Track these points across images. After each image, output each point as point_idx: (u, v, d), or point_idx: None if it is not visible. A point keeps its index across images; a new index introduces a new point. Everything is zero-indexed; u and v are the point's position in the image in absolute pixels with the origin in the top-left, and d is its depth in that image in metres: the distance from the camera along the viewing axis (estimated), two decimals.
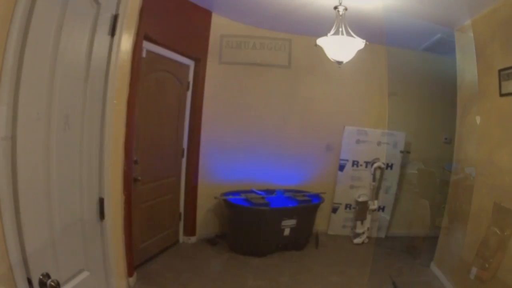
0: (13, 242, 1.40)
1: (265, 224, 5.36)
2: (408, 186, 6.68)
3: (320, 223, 6.43)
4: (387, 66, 6.40)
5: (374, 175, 6.32)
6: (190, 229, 5.75)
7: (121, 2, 2.17)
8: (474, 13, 4.33)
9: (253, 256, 5.32)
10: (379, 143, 6.40)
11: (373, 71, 6.40)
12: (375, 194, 6.35)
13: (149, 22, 3.98)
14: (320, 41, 4.19)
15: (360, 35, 4.15)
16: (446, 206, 5.10)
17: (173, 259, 5.10)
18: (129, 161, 4.00)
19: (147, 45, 4.32)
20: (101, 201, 2.17)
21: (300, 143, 6.41)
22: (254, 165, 6.24)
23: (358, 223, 6.23)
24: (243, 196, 5.66)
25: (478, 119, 4.08)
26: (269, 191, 6.01)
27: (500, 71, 3.81)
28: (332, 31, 4.15)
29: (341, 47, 4.16)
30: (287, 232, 5.51)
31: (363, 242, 6.21)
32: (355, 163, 6.44)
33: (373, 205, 6.25)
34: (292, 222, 5.51)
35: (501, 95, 3.82)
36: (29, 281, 1.47)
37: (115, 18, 2.15)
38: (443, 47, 5.71)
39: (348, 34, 4.13)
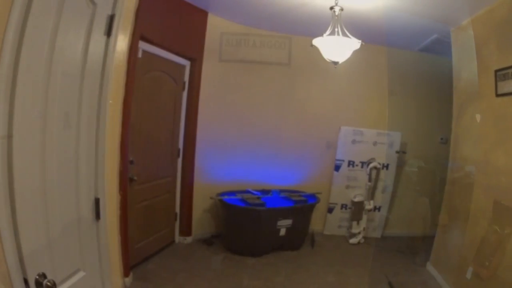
0: (9, 242, 1.40)
1: (261, 224, 5.36)
2: (408, 184, 6.70)
3: (316, 223, 6.45)
4: (384, 67, 6.42)
5: (370, 175, 6.33)
6: (186, 229, 5.75)
7: (117, 2, 2.17)
8: (470, 13, 4.35)
9: (249, 256, 5.32)
10: (375, 143, 6.41)
11: (369, 72, 6.42)
12: (371, 194, 6.36)
13: (145, 22, 3.99)
14: (316, 42, 4.19)
15: (356, 35, 4.16)
16: (442, 205, 5.11)
17: (169, 259, 5.09)
18: (125, 161, 4.00)
19: (143, 45, 4.32)
20: (96, 201, 2.17)
21: (296, 143, 6.42)
22: (249, 165, 6.25)
23: (354, 223, 6.25)
24: (238, 196, 5.66)
25: (478, 117, 4.09)
26: (264, 191, 6.02)
27: (496, 71, 3.83)
28: (328, 32, 4.15)
29: (337, 48, 4.17)
30: (283, 232, 5.52)
31: (359, 242, 6.23)
32: (351, 163, 6.45)
33: (369, 205, 6.26)
34: (288, 222, 5.52)
35: (497, 95, 3.84)
36: (26, 281, 1.47)
37: (111, 19, 2.14)
38: (439, 47, 5.73)
39: (344, 34, 4.14)
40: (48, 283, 1.51)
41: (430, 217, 6.17)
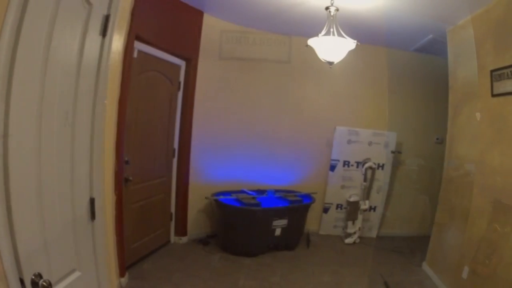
0: (5, 242, 1.40)
1: (256, 224, 5.36)
2: (405, 183, 6.72)
3: (311, 223, 6.46)
4: (379, 67, 6.44)
5: (365, 175, 6.35)
6: (181, 229, 5.75)
7: (112, 2, 2.17)
8: (466, 14, 4.37)
9: (244, 256, 5.33)
10: (370, 143, 6.43)
11: (365, 72, 6.44)
12: (366, 194, 6.38)
13: (140, 23, 3.99)
14: (311, 42, 4.20)
15: (352, 35, 4.17)
16: (438, 205, 5.13)
17: (164, 259, 5.09)
18: (120, 161, 4.00)
19: (138, 45, 4.31)
20: (92, 201, 2.17)
21: (291, 143, 6.44)
22: (245, 165, 6.25)
23: (350, 223, 6.26)
24: (234, 196, 5.66)
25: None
26: (260, 191, 6.03)
27: (492, 71, 3.85)
28: (323, 32, 4.16)
29: (332, 48, 4.17)
30: (278, 232, 5.52)
31: (354, 242, 6.24)
32: (346, 163, 6.47)
33: (364, 205, 6.28)
34: (283, 222, 5.52)
35: (493, 95, 3.86)
36: (21, 281, 1.47)
37: (106, 19, 2.14)
38: (435, 47, 5.75)
39: (340, 34, 4.15)
40: (44, 283, 1.51)
41: (426, 217, 6.21)
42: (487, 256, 3.74)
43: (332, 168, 6.48)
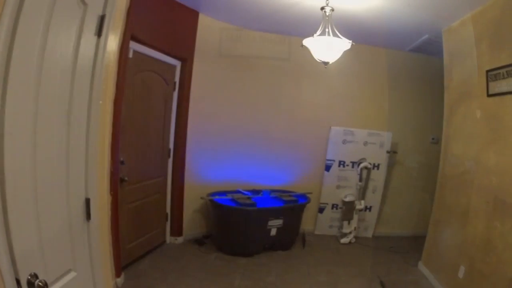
0: (1, 242, 1.40)
1: (252, 224, 5.37)
2: (404, 182, 6.74)
3: (306, 223, 6.47)
4: (375, 67, 6.46)
5: (360, 175, 6.36)
6: (177, 230, 5.75)
7: (108, 2, 2.16)
8: (462, 14, 4.38)
9: (240, 256, 5.34)
10: (365, 143, 6.44)
11: (360, 72, 6.46)
12: (362, 194, 6.39)
13: (136, 23, 3.99)
14: (307, 42, 4.20)
15: (347, 36, 4.17)
16: (433, 204, 5.14)
17: (160, 260, 5.09)
18: (116, 162, 4.00)
19: (133, 46, 4.31)
20: (87, 202, 2.16)
21: (286, 143, 6.44)
22: (240, 165, 6.26)
23: (345, 223, 6.28)
24: (229, 196, 5.67)
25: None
26: (255, 191, 6.04)
27: (487, 71, 3.86)
28: (319, 32, 4.16)
29: (327, 48, 4.18)
30: (273, 232, 5.53)
31: (350, 242, 6.25)
32: (341, 163, 6.48)
33: (360, 205, 6.29)
34: (278, 222, 5.53)
35: (489, 95, 3.88)
36: (18, 282, 1.47)
37: (101, 19, 2.14)
38: (430, 47, 5.77)
39: (335, 34, 4.15)
40: (40, 283, 1.51)
41: (422, 217, 6.22)
42: (483, 255, 3.76)
43: (328, 168, 6.49)
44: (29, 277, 1.51)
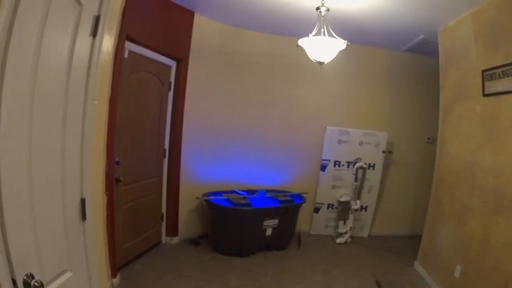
0: None
1: (247, 224, 5.37)
2: (399, 182, 6.77)
3: (302, 223, 6.48)
4: (370, 67, 6.47)
5: (356, 175, 6.37)
6: (173, 230, 5.75)
7: (103, 3, 2.16)
8: (458, 14, 4.39)
9: (235, 256, 5.34)
10: (361, 143, 6.45)
11: (356, 72, 6.47)
12: (357, 194, 6.40)
13: (131, 23, 3.98)
14: (302, 42, 4.21)
15: (343, 36, 4.19)
16: (429, 204, 5.16)
17: (156, 260, 5.09)
18: (111, 162, 4.00)
19: (129, 46, 4.31)
20: (82, 202, 2.16)
21: (281, 143, 6.44)
22: (235, 165, 6.26)
23: (341, 223, 6.29)
24: (224, 196, 5.67)
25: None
26: (250, 191, 6.04)
27: (483, 71, 3.88)
28: (314, 32, 4.17)
29: (322, 48, 4.18)
30: (269, 232, 5.53)
31: (345, 242, 6.26)
32: (337, 163, 6.49)
33: (355, 205, 6.30)
34: (274, 222, 5.54)
35: (484, 95, 3.89)
36: (14, 282, 1.47)
37: (97, 19, 2.14)
38: (426, 47, 5.79)
39: (330, 35, 4.16)
40: (36, 284, 1.51)
41: (418, 216, 6.24)
42: (479, 255, 3.77)
43: (323, 168, 6.50)
44: (25, 277, 1.51)
